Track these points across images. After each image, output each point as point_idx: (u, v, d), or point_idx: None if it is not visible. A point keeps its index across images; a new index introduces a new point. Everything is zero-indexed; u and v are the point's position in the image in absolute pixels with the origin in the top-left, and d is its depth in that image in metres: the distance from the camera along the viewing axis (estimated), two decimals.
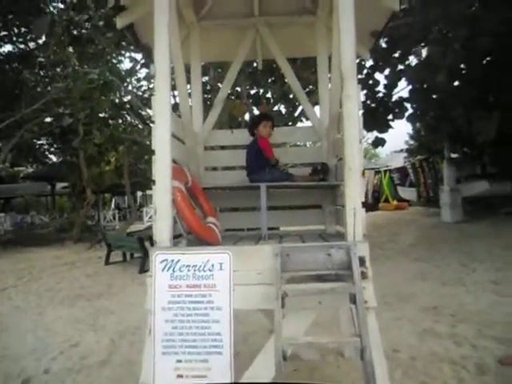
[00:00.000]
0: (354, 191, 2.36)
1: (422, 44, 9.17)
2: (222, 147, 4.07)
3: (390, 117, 8.95)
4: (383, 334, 2.30)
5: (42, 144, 18.16)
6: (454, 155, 13.42)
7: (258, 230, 3.19)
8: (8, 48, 15.35)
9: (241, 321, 4.34)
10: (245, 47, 3.66)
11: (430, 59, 8.38)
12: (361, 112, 2.45)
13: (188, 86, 3.63)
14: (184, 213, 2.49)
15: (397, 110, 8.86)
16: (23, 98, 11.53)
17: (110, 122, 9.72)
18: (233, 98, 7.80)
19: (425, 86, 9.75)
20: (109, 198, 27.95)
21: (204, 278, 2.33)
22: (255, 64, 8.42)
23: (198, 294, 2.32)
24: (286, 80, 7.25)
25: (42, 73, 12.63)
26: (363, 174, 2.43)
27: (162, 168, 2.43)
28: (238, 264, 2.31)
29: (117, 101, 10.32)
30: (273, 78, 7.98)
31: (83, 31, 6.32)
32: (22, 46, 13.73)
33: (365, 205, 2.41)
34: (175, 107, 4.02)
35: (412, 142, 19.70)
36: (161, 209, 2.42)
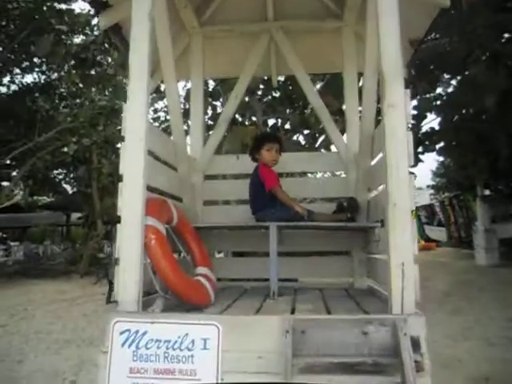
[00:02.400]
0: (403, 238, 1.62)
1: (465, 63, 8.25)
2: (225, 176, 3.39)
3: (420, 149, 8.21)
4: None
5: (59, 173, 18.01)
6: (486, 192, 12.43)
7: (268, 281, 2.45)
8: (29, 78, 15.52)
9: None
10: (256, 57, 3.04)
11: (477, 80, 7.43)
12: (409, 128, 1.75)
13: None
14: (158, 262, 1.79)
15: (427, 143, 8.14)
16: (37, 126, 11.34)
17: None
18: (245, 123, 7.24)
19: (456, 116, 9.02)
20: None
21: (180, 360, 1.60)
22: (273, 91, 7.94)
23: (170, 383, 1.58)
24: (305, 105, 6.68)
25: (58, 102, 12.52)
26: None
27: (130, 199, 1.76)
28: (231, 341, 1.58)
29: None
30: (292, 107, 7.42)
31: (88, 54, 5.99)
32: (44, 77, 13.80)
33: None
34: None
35: (438, 179, 18.78)
36: (126, 256, 1.73)
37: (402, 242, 1.62)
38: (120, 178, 1.79)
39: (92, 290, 10.55)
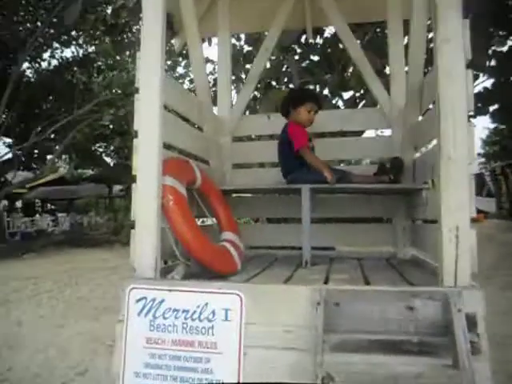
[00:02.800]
0: (458, 198, 1.36)
1: None
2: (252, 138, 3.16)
3: (471, 113, 7.54)
4: None
5: (99, 146, 18.47)
6: None
7: (299, 249, 2.25)
8: (68, 53, 15.74)
9: None
10: (287, 7, 2.74)
11: None
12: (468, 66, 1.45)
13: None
14: (177, 225, 1.63)
15: (479, 105, 7.45)
16: (76, 99, 11.50)
17: None
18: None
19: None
20: None
21: (200, 331, 1.45)
22: (310, 54, 7.49)
23: (189, 356, 1.45)
24: (345, 67, 6.23)
25: (96, 76, 12.62)
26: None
27: (145, 157, 1.60)
28: (255, 313, 1.41)
29: None
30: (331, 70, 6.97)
31: (118, 20, 5.84)
32: (82, 50, 13.91)
33: None
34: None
35: (488, 148, 17.63)
36: (142, 219, 1.58)
37: (456, 203, 1.36)
38: (135, 135, 1.63)
39: None
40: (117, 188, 24.67)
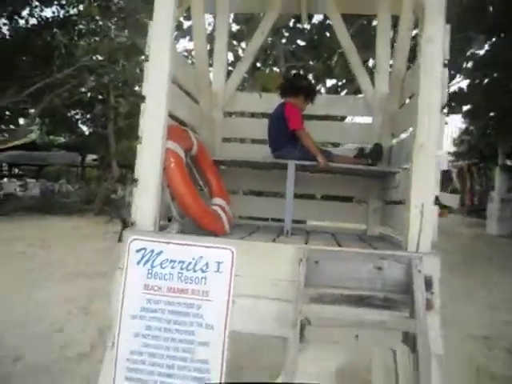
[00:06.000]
0: (426, 180, 1.58)
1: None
2: (245, 114, 3.31)
3: (445, 111, 7.89)
4: None
5: (75, 113, 17.96)
6: (508, 162, 12.13)
7: (281, 221, 2.45)
8: (48, 13, 15.10)
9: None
10: None
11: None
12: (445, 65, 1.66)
13: None
14: (177, 186, 1.79)
15: (453, 104, 7.82)
16: (55, 62, 11.16)
17: (137, 89, 9.13)
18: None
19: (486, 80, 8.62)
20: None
21: (193, 280, 1.64)
22: (298, 39, 7.61)
23: (182, 302, 1.63)
24: (331, 55, 6.42)
25: (77, 39, 12.23)
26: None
27: (152, 121, 1.74)
28: (244, 266, 1.61)
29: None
30: (317, 56, 7.13)
31: None
32: (63, 11, 13.39)
33: None
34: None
35: (457, 147, 18.32)
36: (145, 177, 1.73)
37: (424, 184, 1.58)
38: (142, 99, 1.76)
39: (105, 228, 10.84)
40: (90, 157, 24.18)
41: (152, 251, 1.67)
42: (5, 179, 22.91)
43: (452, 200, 15.07)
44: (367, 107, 2.72)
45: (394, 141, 2.57)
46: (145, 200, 1.73)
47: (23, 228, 10.31)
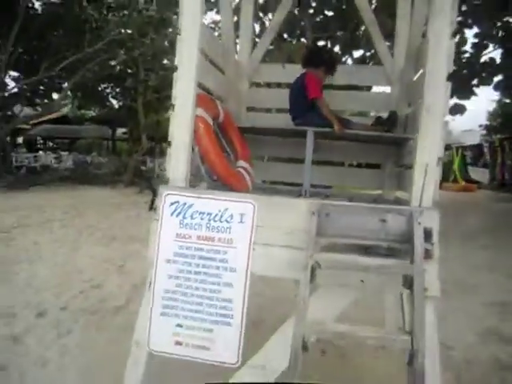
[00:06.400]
0: (430, 141, 1.73)
1: None
2: (269, 85, 3.47)
3: (475, 81, 7.73)
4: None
5: (105, 87, 18.40)
6: None
7: (300, 186, 2.64)
8: None
9: (268, 283, 3.91)
10: None
11: None
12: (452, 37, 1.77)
13: None
14: (206, 148, 2.01)
15: (484, 75, 7.63)
16: (86, 37, 11.45)
17: (166, 62, 9.29)
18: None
19: None
20: (166, 148, 28.41)
21: (220, 230, 1.87)
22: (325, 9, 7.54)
23: (210, 248, 1.87)
24: (358, 25, 6.39)
25: (106, 13, 12.43)
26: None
27: (183, 89, 1.94)
28: (264, 218, 1.82)
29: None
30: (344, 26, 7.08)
31: None
32: None
33: None
34: None
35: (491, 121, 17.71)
36: (177, 140, 1.95)
37: (429, 145, 1.74)
38: (175, 69, 1.96)
39: (135, 198, 11.34)
40: (119, 131, 24.82)
41: (184, 204, 1.90)
42: (40, 152, 23.90)
43: (482, 175, 14.76)
44: (386, 77, 2.83)
45: (410, 109, 2.68)
46: (177, 160, 1.95)
47: (59, 197, 10.91)
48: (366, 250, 1.74)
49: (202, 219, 1.89)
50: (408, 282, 1.61)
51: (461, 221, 8.57)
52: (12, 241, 6.09)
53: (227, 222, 1.86)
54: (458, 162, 15.85)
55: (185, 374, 2.34)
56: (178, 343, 1.90)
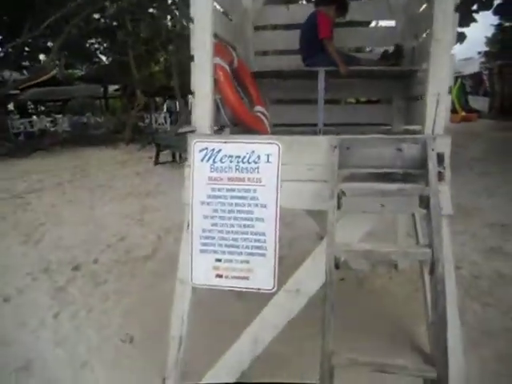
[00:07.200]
0: (441, 71, 1.84)
1: None
2: (275, 27, 3.48)
3: (475, 7, 7.54)
4: None
5: (92, 43, 17.78)
6: None
7: (314, 126, 2.76)
8: None
9: (287, 224, 4.15)
10: None
11: None
12: None
13: None
14: (228, 95, 2.12)
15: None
16: None
17: (155, 13, 8.98)
18: None
19: None
20: (160, 102, 27.93)
21: (248, 170, 2.03)
22: None
23: (240, 188, 2.04)
24: None
25: None
26: None
27: (202, 40, 2.01)
28: (288, 157, 1.97)
29: None
30: None
31: None
32: None
33: None
34: None
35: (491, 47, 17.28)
36: (200, 90, 2.06)
37: (440, 75, 1.85)
38: (191, 21, 2.02)
39: (138, 154, 11.42)
40: (111, 88, 24.27)
41: (213, 150, 2.05)
42: (34, 117, 23.55)
43: (483, 103, 14.65)
44: (390, 11, 2.86)
45: (417, 41, 2.74)
46: (201, 109, 2.07)
47: (63, 160, 10.97)
48: (385, 177, 1.91)
49: (231, 162, 2.04)
50: (424, 203, 1.79)
51: (460, 152, 8.70)
52: (29, 205, 6.28)
53: (255, 162, 2.01)
54: (457, 92, 15.65)
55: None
56: (219, 276, 2.12)
